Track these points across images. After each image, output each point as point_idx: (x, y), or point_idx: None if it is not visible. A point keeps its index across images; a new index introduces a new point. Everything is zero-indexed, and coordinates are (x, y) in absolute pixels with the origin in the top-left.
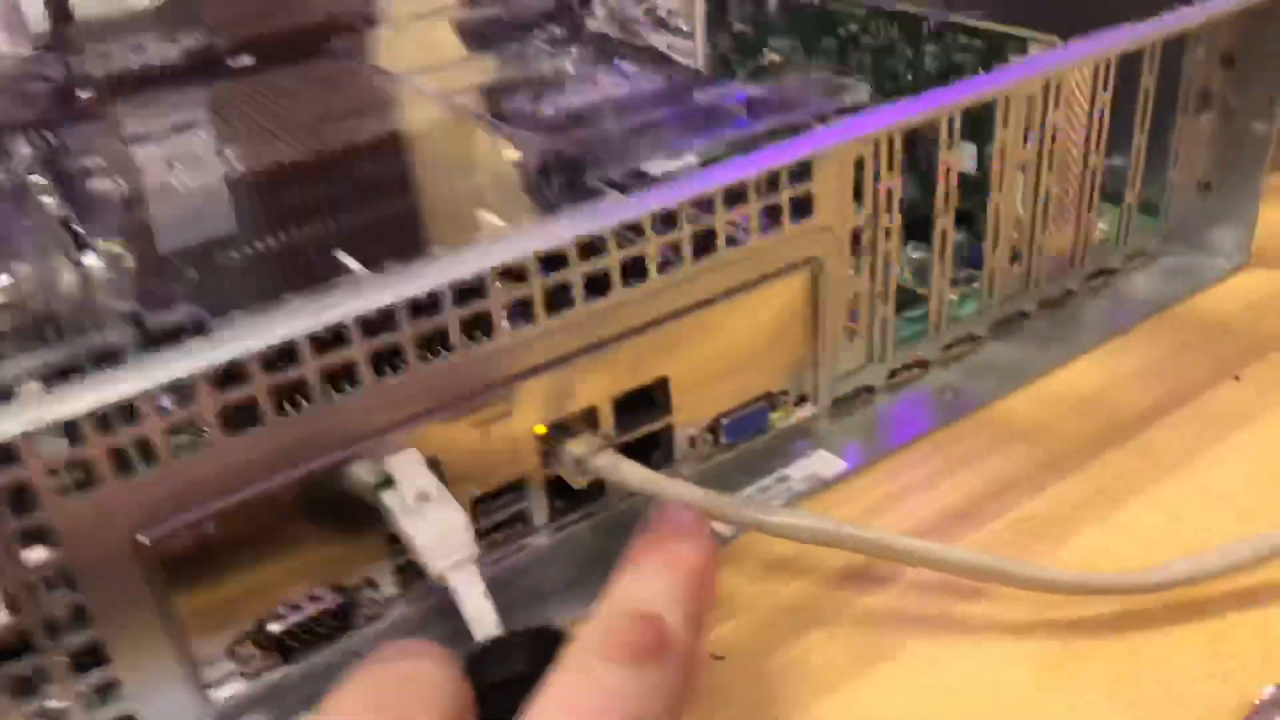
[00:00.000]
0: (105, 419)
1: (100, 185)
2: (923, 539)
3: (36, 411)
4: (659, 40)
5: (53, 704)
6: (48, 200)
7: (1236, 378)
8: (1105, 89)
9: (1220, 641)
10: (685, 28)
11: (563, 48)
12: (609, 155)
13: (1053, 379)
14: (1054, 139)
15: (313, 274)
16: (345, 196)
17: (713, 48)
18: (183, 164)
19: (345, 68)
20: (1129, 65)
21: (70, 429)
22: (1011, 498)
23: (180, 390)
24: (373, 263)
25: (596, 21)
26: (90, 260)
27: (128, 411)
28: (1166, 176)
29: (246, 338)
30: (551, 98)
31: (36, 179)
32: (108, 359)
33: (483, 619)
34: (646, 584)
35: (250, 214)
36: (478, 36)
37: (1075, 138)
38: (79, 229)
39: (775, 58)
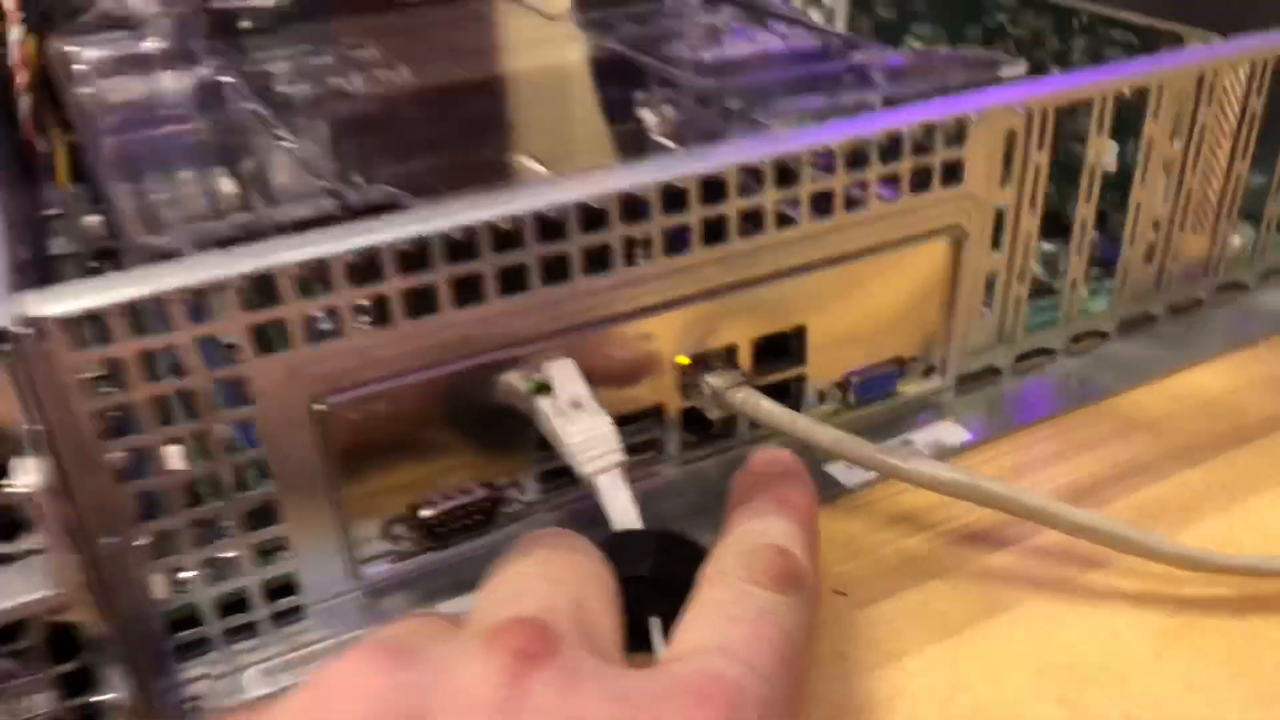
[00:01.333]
0: (303, 282)
1: (287, 90)
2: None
3: (242, 262)
4: None
5: (224, 554)
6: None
7: None
8: (1259, 94)
9: None
10: (827, 2)
11: (716, 5)
12: (763, 102)
13: (1179, 378)
14: (1202, 139)
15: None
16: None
17: (854, 32)
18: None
19: (501, 6)
20: None
21: (266, 291)
22: (1133, 482)
23: (367, 262)
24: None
25: None
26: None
27: (321, 276)
28: None
29: (434, 218)
30: (709, 47)
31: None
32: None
33: (628, 522)
34: (768, 521)
35: (427, 122)
36: None
37: (1223, 141)
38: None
39: (917, 45)
